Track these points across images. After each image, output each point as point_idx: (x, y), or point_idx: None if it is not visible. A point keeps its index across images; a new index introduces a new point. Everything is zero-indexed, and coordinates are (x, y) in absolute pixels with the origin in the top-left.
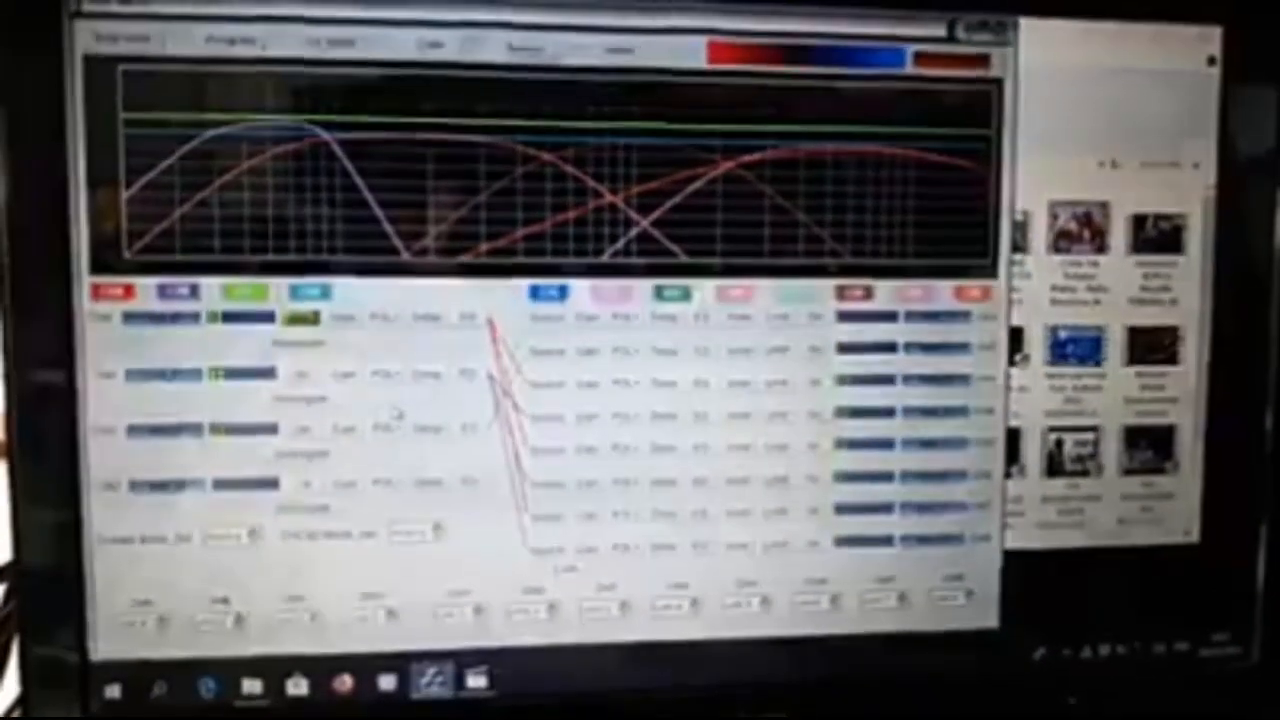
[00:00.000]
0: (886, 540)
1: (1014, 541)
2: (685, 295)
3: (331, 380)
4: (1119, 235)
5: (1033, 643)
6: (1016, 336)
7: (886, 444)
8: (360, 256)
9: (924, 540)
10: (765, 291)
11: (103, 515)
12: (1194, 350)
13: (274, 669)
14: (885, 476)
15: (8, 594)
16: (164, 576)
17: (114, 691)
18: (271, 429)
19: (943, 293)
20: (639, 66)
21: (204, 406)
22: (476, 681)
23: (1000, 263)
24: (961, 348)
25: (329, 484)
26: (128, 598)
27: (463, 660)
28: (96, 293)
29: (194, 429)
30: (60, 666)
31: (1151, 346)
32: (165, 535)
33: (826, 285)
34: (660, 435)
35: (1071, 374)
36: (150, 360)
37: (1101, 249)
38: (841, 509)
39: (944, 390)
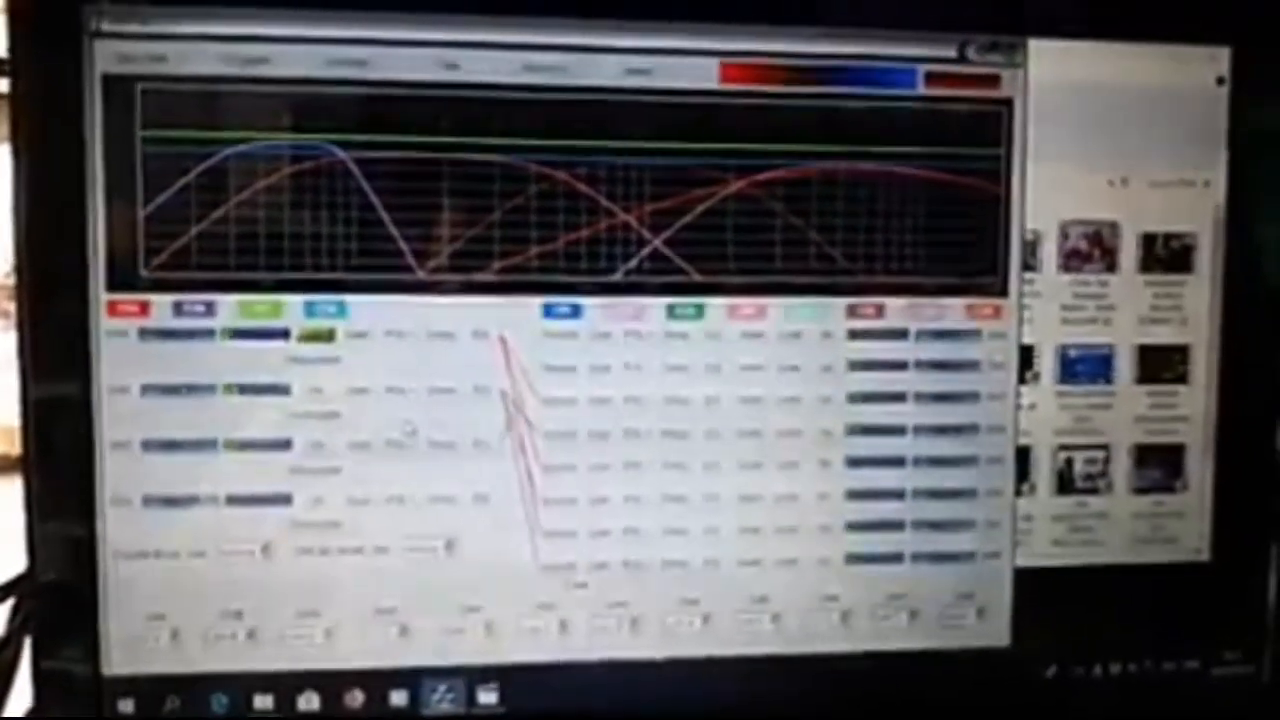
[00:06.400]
0: (897, 558)
1: (1025, 559)
2: (697, 313)
3: (346, 397)
4: (1129, 254)
5: (1044, 661)
6: (1027, 355)
7: (897, 462)
8: (375, 274)
9: (935, 558)
10: (777, 309)
11: (117, 530)
12: (1204, 369)
13: (286, 684)
14: (896, 494)
15: (19, 607)
16: (177, 591)
17: (127, 706)
18: (285, 445)
19: (954, 311)
20: (652, 87)
21: (218, 422)
22: (487, 698)
23: (1011, 281)
24: (972, 366)
25: (342, 500)
26: (141, 612)
27: (474, 676)
28: (113, 309)
29: (208, 444)
30: (73, 680)
31: (1161, 365)
32: (179, 550)
33: (838, 303)
34: (672, 452)
35: (1081, 392)
36: (165, 376)
37: (1111, 268)
38: (852, 526)
39: (954, 408)
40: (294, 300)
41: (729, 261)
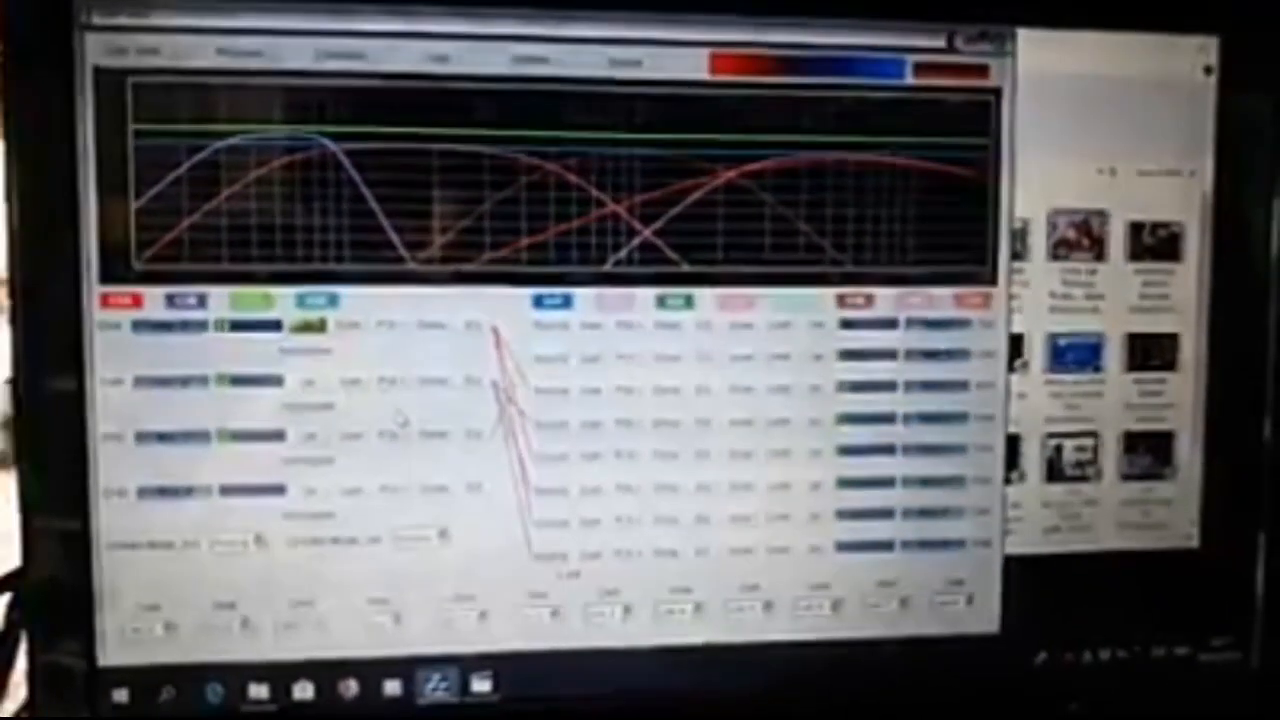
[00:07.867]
0: (888, 545)
1: (1014, 547)
2: (687, 303)
3: (338, 387)
4: (1117, 243)
5: (1034, 647)
6: (1016, 343)
7: (888, 450)
8: (366, 265)
9: (925, 545)
10: (767, 300)
11: (111, 521)
12: (1192, 356)
13: (280, 674)
14: (887, 482)
15: (14, 602)
16: (171, 582)
17: (122, 696)
18: (278, 436)
19: (943, 300)
20: (642, 78)
21: (211, 413)
22: (481, 686)
23: (1000, 270)
24: (961, 355)
25: (335, 490)
26: (135, 603)
27: (467, 665)
28: (105, 302)
29: (201, 436)
30: (68, 671)
31: (1150, 353)
32: (173, 541)
33: (828, 293)
34: (663, 442)
35: (1071, 380)
36: (158, 368)
37: (1100, 256)
38: (843, 514)
39: (944, 397)
40: (286, 292)
41: (719, 252)
